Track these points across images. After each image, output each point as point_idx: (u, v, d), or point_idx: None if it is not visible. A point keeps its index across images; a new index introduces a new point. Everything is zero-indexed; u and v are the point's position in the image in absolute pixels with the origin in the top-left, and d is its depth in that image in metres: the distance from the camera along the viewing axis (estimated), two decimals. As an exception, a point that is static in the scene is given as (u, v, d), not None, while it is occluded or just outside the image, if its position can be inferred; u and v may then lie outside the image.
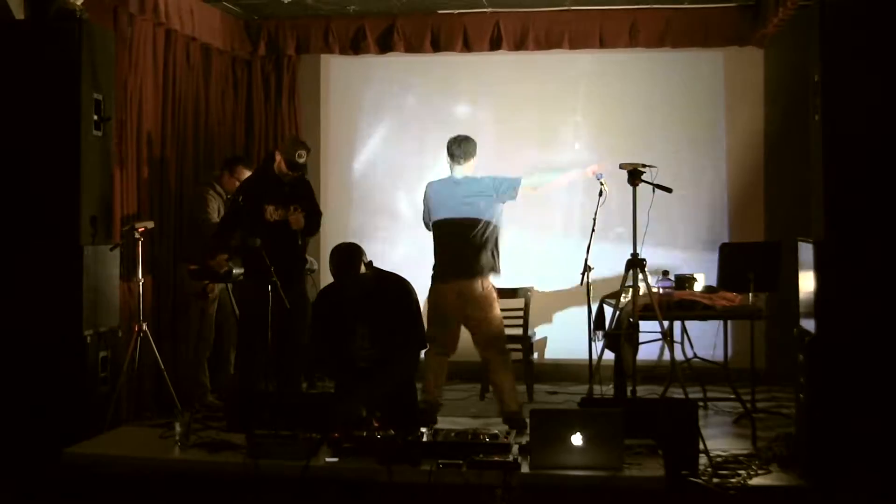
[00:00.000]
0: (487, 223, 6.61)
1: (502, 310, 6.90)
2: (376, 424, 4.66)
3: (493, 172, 6.78)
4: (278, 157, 6.59)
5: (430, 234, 6.81)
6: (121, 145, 6.85)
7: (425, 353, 6.46)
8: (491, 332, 6.68)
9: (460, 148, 6.70)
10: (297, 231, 6.46)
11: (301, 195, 6.61)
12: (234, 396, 6.06)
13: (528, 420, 6.28)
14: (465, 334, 6.78)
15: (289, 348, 6.39)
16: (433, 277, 6.72)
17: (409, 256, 8.35)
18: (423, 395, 6.59)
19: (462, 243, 6.59)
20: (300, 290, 6.60)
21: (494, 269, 6.68)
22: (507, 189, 6.64)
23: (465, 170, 6.69)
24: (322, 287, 6.08)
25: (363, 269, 5.24)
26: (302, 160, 6.51)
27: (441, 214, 6.70)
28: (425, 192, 6.83)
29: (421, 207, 6.88)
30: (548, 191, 7.29)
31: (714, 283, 6.98)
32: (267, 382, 6.39)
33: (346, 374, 5.33)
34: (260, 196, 6.47)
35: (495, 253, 6.68)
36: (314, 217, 6.64)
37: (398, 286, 5.43)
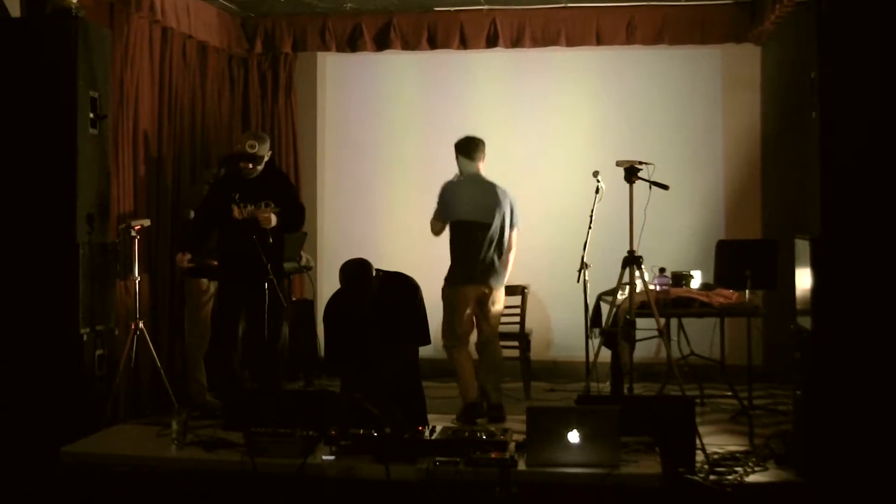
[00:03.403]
0: (502, 229, 6.84)
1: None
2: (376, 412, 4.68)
3: (507, 184, 7.01)
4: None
5: (441, 233, 6.95)
6: (117, 143, 6.85)
7: (449, 353, 6.84)
8: (492, 327, 6.95)
9: (476, 149, 6.89)
10: (270, 229, 6.23)
11: (274, 191, 6.42)
12: (235, 394, 6.06)
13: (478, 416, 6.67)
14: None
15: (267, 346, 6.35)
16: (450, 280, 6.86)
17: (408, 253, 8.33)
18: (462, 397, 6.84)
19: (481, 246, 6.78)
20: (274, 291, 6.48)
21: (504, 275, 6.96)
22: (512, 221, 6.93)
23: (478, 168, 6.87)
24: (323, 291, 6.04)
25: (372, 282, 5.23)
26: (253, 150, 6.34)
27: (458, 216, 6.83)
28: (441, 192, 6.93)
29: (426, 206, 7.01)
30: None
31: (711, 280, 7.00)
32: (251, 380, 6.39)
33: (357, 377, 5.31)
34: (227, 195, 6.35)
35: (506, 259, 6.93)
36: (292, 213, 6.45)
37: (404, 284, 5.41)
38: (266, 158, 6.45)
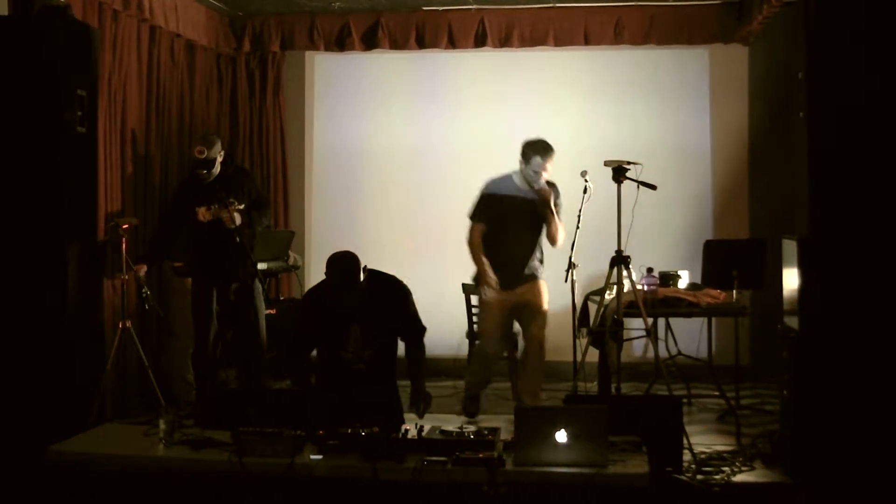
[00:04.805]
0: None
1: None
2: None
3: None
4: None
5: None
6: (105, 142, 6.83)
7: (476, 350, 6.97)
8: (540, 328, 6.86)
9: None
10: (235, 228, 6.20)
11: (235, 188, 6.39)
12: (205, 394, 6.06)
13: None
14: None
15: (250, 346, 6.32)
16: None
17: (396, 252, 8.32)
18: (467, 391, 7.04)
19: (527, 245, 6.77)
20: (248, 290, 6.45)
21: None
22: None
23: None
24: (308, 287, 6.03)
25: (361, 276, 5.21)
26: (202, 155, 6.32)
27: (502, 213, 6.75)
28: (483, 189, 6.83)
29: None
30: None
31: (698, 280, 7.01)
32: (237, 380, 6.37)
33: (335, 375, 5.29)
34: (189, 198, 6.32)
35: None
36: (257, 209, 6.42)
37: (394, 288, 5.39)
38: (219, 159, 6.44)
